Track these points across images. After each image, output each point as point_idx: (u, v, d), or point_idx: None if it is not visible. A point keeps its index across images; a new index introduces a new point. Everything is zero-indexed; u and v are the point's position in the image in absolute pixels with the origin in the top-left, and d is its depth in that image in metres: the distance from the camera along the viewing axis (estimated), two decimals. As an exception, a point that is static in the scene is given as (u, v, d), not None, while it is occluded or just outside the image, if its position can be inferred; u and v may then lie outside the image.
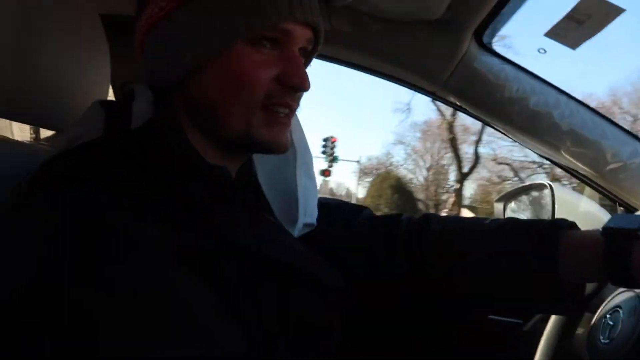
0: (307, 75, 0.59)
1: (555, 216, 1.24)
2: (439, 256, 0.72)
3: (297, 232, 0.69)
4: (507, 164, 19.77)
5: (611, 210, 1.28)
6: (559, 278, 0.63)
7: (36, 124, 0.85)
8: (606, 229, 0.62)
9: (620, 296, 0.69)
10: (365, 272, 0.74)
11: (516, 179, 18.99)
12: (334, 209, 0.79)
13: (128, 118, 0.56)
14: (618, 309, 0.68)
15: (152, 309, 0.40)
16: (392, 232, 0.76)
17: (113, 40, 0.91)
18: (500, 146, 19.32)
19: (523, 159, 18.70)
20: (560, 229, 0.66)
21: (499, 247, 0.68)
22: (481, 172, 20.73)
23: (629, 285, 0.63)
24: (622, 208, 1.14)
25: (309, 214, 0.71)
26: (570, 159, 1.06)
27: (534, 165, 18.48)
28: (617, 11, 0.82)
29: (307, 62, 0.66)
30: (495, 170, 20.32)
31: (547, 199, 1.32)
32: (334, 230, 0.76)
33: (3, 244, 0.45)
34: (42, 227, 0.44)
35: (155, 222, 0.47)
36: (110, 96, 0.96)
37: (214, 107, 0.57)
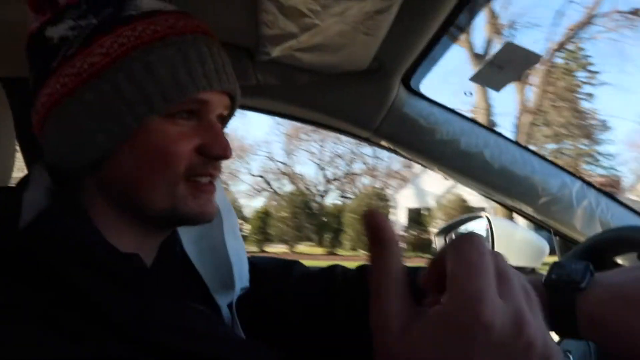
0: (228, 143, 0.57)
1: (495, 246, 1.26)
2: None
3: (235, 297, 0.66)
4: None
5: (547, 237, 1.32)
6: None
7: None
8: (548, 281, 0.60)
9: (570, 342, 0.69)
10: (304, 325, 0.71)
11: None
12: (263, 269, 0.75)
13: (17, 213, 0.49)
14: (568, 353, 0.68)
15: None
16: (329, 285, 0.74)
17: (17, 107, 0.83)
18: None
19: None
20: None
21: None
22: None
23: (575, 338, 0.61)
24: (557, 237, 1.18)
25: (244, 278, 0.69)
26: (504, 195, 1.08)
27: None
28: (535, 58, 0.85)
29: (223, 126, 0.63)
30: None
31: (485, 230, 1.35)
32: (265, 290, 0.73)
33: None
34: None
35: (51, 334, 0.41)
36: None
37: (135, 186, 0.54)
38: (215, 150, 0.56)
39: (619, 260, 0.98)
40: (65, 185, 0.55)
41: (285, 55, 0.91)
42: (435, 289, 0.32)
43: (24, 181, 0.54)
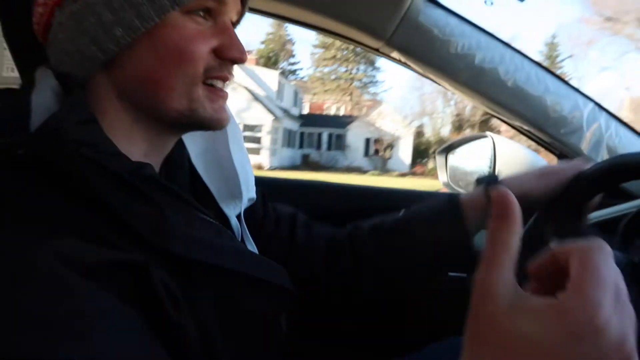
0: (244, 47, 0.56)
1: (497, 167, 1.25)
2: (373, 249, 0.77)
3: (243, 207, 0.67)
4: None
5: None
6: (468, 233, 0.73)
7: None
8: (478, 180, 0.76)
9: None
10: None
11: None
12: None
13: (26, 113, 0.47)
14: None
15: (63, 334, 0.36)
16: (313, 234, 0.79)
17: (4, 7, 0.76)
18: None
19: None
20: (457, 200, 0.75)
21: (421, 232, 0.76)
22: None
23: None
24: (561, 160, 1.17)
25: (250, 188, 0.70)
26: (514, 115, 1.06)
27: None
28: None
29: None
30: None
31: (489, 150, 1.34)
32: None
33: None
34: None
35: (71, 239, 0.41)
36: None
37: (153, 85, 0.52)
38: (233, 53, 0.55)
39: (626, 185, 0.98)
40: (72, 88, 0.53)
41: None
42: (542, 280, 0.34)
43: (27, 83, 0.52)
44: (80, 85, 0.53)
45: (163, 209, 0.49)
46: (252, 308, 0.55)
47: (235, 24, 0.60)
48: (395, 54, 1.04)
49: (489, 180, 0.75)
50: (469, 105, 25.84)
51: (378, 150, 27.53)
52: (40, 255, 0.38)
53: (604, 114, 1.06)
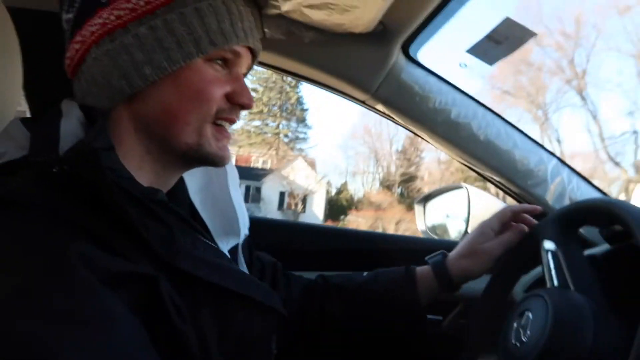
0: (252, 96, 0.64)
1: (470, 215, 1.34)
2: (338, 306, 0.87)
3: (240, 242, 0.73)
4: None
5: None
6: (420, 302, 0.86)
7: None
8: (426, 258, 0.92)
9: (528, 301, 0.75)
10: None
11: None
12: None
13: (56, 138, 0.54)
14: (527, 311, 0.73)
15: (84, 338, 0.41)
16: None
17: (25, 39, 0.83)
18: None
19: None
20: (413, 272, 0.88)
21: (378, 293, 0.88)
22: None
23: (452, 290, 0.89)
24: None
25: (246, 223, 0.76)
26: (486, 166, 1.15)
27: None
28: (530, 34, 0.90)
29: None
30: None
31: (464, 200, 1.42)
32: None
33: None
34: None
35: (93, 246, 0.46)
36: (23, 105, 0.88)
37: (169, 119, 0.59)
38: (243, 99, 0.63)
39: (582, 231, 1.06)
40: (95, 118, 0.59)
41: (294, 10, 0.94)
42: None
43: (55, 113, 0.58)
44: (103, 116, 0.59)
45: (173, 229, 0.55)
46: (247, 327, 0.60)
47: (245, 74, 0.69)
48: (379, 107, 1.14)
49: (436, 259, 0.89)
50: (394, 166, 27.00)
51: (290, 204, 27.94)
52: (67, 254, 0.44)
53: (566, 168, 1.17)
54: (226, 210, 0.72)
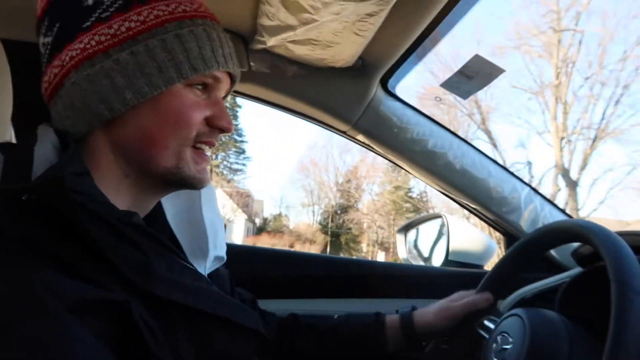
0: (231, 119, 0.65)
1: (450, 243, 1.37)
2: (310, 343, 0.90)
3: (209, 264, 0.72)
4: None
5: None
6: (388, 348, 0.88)
7: None
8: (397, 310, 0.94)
9: (506, 320, 0.77)
10: None
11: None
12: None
13: (29, 164, 0.54)
14: (505, 333, 0.75)
15: None
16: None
17: (15, 69, 0.86)
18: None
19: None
20: (383, 319, 0.90)
21: (348, 336, 0.90)
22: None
23: (416, 347, 0.91)
24: (505, 237, 1.30)
25: (219, 246, 0.75)
26: (462, 194, 1.20)
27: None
28: (499, 71, 0.97)
29: None
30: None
31: (443, 228, 1.47)
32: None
33: None
34: None
35: (61, 274, 0.46)
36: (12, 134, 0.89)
37: (148, 143, 0.59)
38: (222, 123, 0.63)
39: (553, 252, 1.11)
40: (69, 144, 0.59)
41: (279, 45, 0.99)
42: None
43: (30, 138, 0.58)
44: (77, 141, 0.60)
45: (147, 254, 0.54)
46: (228, 349, 0.59)
47: (223, 98, 0.69)
48: (360, 137, 1.19)
49: (404, 310, 0.92)
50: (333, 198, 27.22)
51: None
52: (32, 283, 0.44)
53: (538, 197, 1.22)
54: (196, 231, 0.72)
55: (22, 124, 1.08)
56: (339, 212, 26.75)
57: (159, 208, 0.71)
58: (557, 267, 1.12)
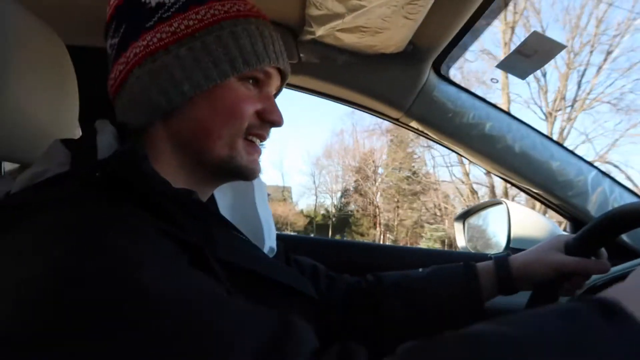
0: (282, 114, 0.68)
1: (512, 230, 1.32)
2: (395, 305, 0.84)
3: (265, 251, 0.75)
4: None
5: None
6: (482, 299, 0.82)
7: (3, 158, 0.84)
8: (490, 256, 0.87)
9: None
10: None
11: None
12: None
13: (94, 151, 0.58)
14: None
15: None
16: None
17: (81, 73, 0.91)
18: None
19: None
20: (474, 265, 0.85)
21: (440, 289, 0.84)
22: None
23: (510, 292, 0.84)
24: (571, 222, 1.24)
25: (272, 238, 0.78)
26: (523, 178, 1.15)
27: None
28: (559, 47, 0.92)
29: None
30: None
31: (503, 215, 1.41)
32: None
33: None
34: (58, 241, 0.46)
35: (149, 236, 0.50)
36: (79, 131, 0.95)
37: (203, 134, 0.63)
38: (272, 117, 0.67)
39: (625, 237, 1.04)
40: (129, 136, 0.64)
41: (328, 35, 0.99)
42: None
43: (90, 131, 0.63)
44: (136, 133, 0.64)
45: (209, 223, 0.59)
46: (281, 312, 0.63)
47: (275, 94, 0.72)
48: (413, 124, 1.16)
49: (500, 255, 0.86)
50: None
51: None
52: (145, 227, 0.49)
53: (607, 179, 1.15)
54: (252, 223, 0.75)
55: (87, 125, 1.15)
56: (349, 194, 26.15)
57: (213, 202, 0.74)
58: (630, 253, 1.06)
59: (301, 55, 1.06)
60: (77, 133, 0.94)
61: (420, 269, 0.88)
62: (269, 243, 0.76)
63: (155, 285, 0.44)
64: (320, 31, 0.96)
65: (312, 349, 0.46)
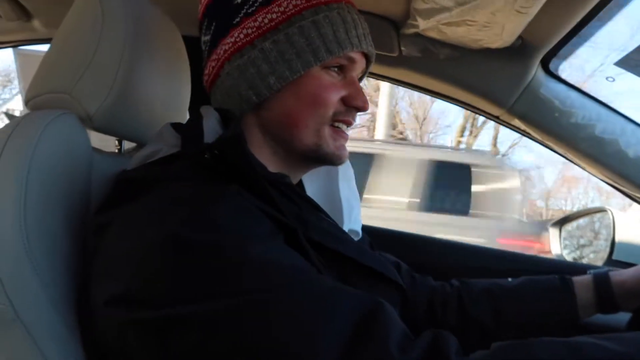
0: (367, 98, 0.69)
1: (616, 239, 1.23)
2: (484, 312, 0.81)
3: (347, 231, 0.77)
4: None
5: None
6: (578, 316, 0.78)
7: (124, 137, 0.92)
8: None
9: None
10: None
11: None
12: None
13: (201, 135, 0.63)
14: None
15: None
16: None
17: (194, 61, 0.97)
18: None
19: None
20: (571, 280, 0.79)
21: (531, 304, 0.80)
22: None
23: (611, 310, 0.79)
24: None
25: (353, 220, 0.79)
26: (637, 186, 1.06)
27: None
28: (694, 44, 0.83)
29: None
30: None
31: (607, 225, 1.32)
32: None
33: (120, 233, 0.53)
34: (172, 212, 0.51)
35: (248, 215, 0.54)
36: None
37: (290, 123, 0.66)
38: (357, 102, 0.67)
39: None
40: (230, 120, 0.67)
41: (431, 28, 0.97)
42: None
43: (197, 116, 0.68)
44: (236, 119, 0.67)
45: (301, 206, 0.62)
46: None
47: (360, 78, 0.73)
48: (515, 122, 1.12)
49: (599, 271, 0.80)
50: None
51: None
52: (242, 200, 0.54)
53: None
54: (333, 204, 0.77)
55: (193, 110, 1.23)
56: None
57: (301, 187, 0.77)
58: None
59: (402, 48, 1.06)
60: (187, 117, 1.01)
61: (510, 279, 0.84)
62: (349, 225, 0.78)
63: (258, 256, 0.48)
64: (424, 24, 0.95)
65: (402, 331, 0.48)
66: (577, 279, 0.80)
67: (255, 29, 0.64)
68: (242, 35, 0.64)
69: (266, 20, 0.64)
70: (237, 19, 0.65)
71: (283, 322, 0.45)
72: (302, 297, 0.47)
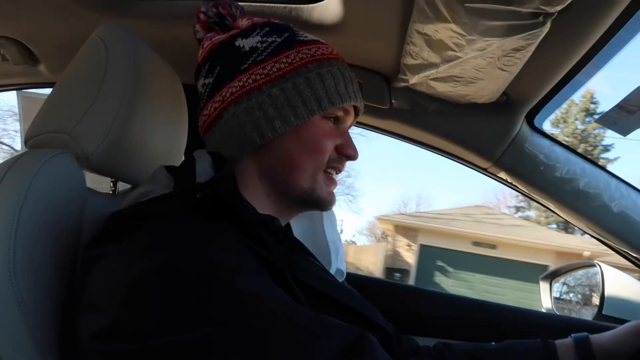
0: (357, 148, 0.74)
1: (605, 294, 1.23)
2: None
3: (331, 271, 0.81)
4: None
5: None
6: None
7: (119, 178, 0.93)
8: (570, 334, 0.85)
9: None
10: None
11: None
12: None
13: (193, 177, 0.66)
14: None
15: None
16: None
17: (192, 108, 1.01)
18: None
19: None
20: (554, 345, 0.81)
21: None
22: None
23: None
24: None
25: (340, 259, 0.83)
26: (621, 240, 1.08)
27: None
28: (668, 104, 0.87)
29: None
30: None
31: (596, 279, 1.32)
32: None
33: (109, 266, 0.53)
34: (163, 247, 0.52)
35: (235, 253, 0.55)
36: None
37: (291, 165, 0.69)
38: (350, 151, 0.73)
39: None
40: (223, 164, 0.70)
41: (421, 83, 1.02)
42: None
43: (190, 159, 0.70)
44: (230, 161, 0.70)
45: (290, 249, 0.64)
46: None
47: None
48: (502, 175, 1.15)
49: (580, 335, 0.83)
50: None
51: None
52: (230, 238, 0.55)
53: None
54: (320, 246, 0.81)
55: (187, 153, 1.25)
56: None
57: (289, 228, 0.81)
58: None
59: (393, 101, 1.10)
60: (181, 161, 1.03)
61: (493, 343, 0.86)
62: (337, 265, 0.82)
63: (245, 288, 0.49)
64: (413, 79, 1.00)
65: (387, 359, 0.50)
66: (559, 342, 0.82)
67: (264, 75, 0.68)
68: (250, 81, 0.68)
69: (274, 69, 0.69)
70: (245, 65, 0.69)
71: (269, 351, 0.46)
72: (288, 327, 0.48)
